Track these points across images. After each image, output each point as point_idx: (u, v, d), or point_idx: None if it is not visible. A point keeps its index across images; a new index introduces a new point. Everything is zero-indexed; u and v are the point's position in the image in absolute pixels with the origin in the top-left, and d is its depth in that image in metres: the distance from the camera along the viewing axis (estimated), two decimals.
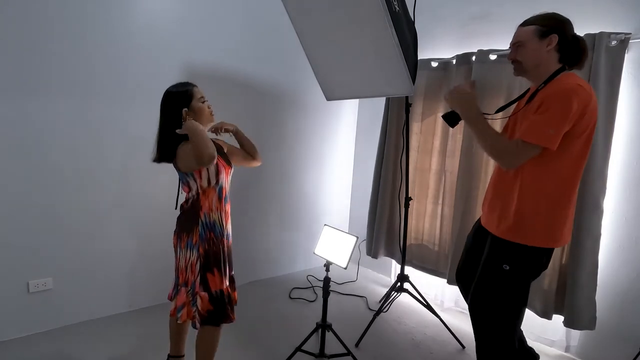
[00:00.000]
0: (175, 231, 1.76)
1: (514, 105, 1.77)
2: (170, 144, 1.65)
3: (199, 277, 1.67)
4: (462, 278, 1.92)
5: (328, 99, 2.34)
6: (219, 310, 1.70)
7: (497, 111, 1.79)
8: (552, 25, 1.48)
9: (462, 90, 1.61)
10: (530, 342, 2.51)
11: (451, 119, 1.85)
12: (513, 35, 1.60)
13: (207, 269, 1.67)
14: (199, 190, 1.67)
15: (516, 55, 1.56)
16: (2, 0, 2.01)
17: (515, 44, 1.56)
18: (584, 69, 1.86)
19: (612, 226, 2.19)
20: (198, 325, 1.69)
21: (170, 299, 1.81)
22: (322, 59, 2.13)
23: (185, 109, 1.65)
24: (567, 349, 2.37)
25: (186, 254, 1.69)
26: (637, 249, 2.13)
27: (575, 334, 2.33)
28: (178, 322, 1.74)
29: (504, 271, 1.56)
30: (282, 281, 3.32)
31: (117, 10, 2.33)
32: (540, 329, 2.47)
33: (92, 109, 2.33)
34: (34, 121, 2.17)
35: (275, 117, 3.21)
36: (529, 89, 1.70)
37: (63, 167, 2.28)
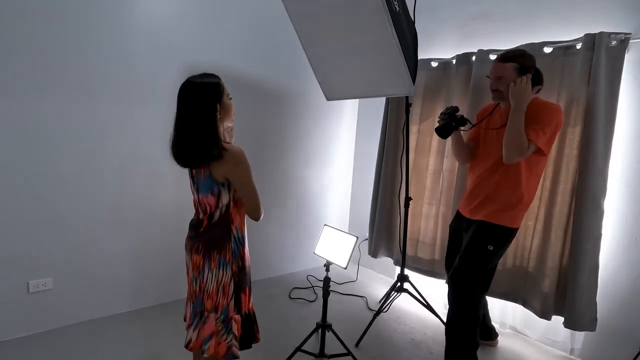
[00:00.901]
0: (197, 250, 1.51)
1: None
2: (203, 144, 1.39)
3: (232, 300, 1.51)
4: (449, 265, 2.26)
5: (328, 99, 2.34)
6: (248, 333, 1.58)
7: (472, 127, 2.15)
8: (528, 65, 1.86)
9: (525, 87, 1.82)
10: (532, 343, 2.52)
11: (444, 131, 2.09)
12: (493, 67, 1.94)
13: (241, 288, 1.53)
14: (230, 202, 1.47)
15: (498, 86, 1.91)
16: (3, 1, 2.01)
17: (498, 77, 1.91)
18: (584, 69, 2.13)
19: (612, 226, 2.19)
20: (239, 353, 1.52)
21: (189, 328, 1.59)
22: (322, 59, 2.13)
23: (217, 103, 1.43)
24: (571, 352, 2.36)
25: (218, 274, 1.49)
26: (637, 249, 2.13)
27: (578, 334, 2.32)
28: (204, 355, 1.50)
29: (488, 251, 1.94)
30: (282, 281, 3.32)
31: (118, 11, 2.33)
32: (543, 330, 2.47)
33: (92, 110, 2.33)
34: (35, 121, 2.17)
35: (275, 117, 3.21)
36: (495, 107, 2.04)
37: (64, 167, 2.28)
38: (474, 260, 1.97)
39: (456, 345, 2.01)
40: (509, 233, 1.96)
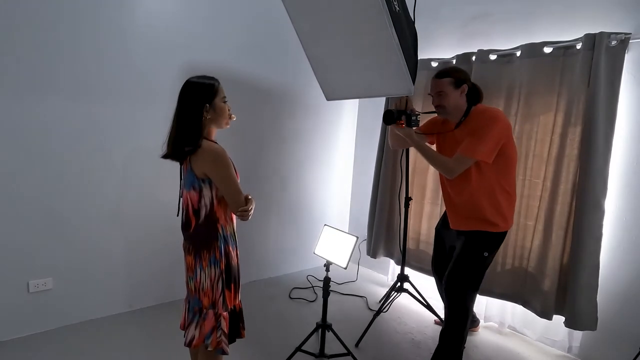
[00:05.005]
0: (189, 251, 1.58)
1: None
2: (184, 139, 1.47)
3: (221, 297, 1.55)
4: (438, 269, 2.38)
5: (328, 99, 2.34)
6: (234, 329, 1.62)
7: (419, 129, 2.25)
8: (462, 78, 1.97)
9: (401, 133, 2.04)
10: (532, 343, 2.52)
11: (391, 119, 2.06)
12: (431, 85, 2.04)
13: (227, 285, 1.56)
14: (214, 200, 1.52)
15: (441, 102, 2.00)
16: (4, 2, 2.01)
17: (438, 93, 2.00)
18: (584, 69, 2.12)
19: (612, 226, 2.19)
20: (228, 350, 1.56)
21: (185, 327, 1.63)
22: (322, 59, 2.13)
23: (207, 104, 1.49)
24: (569, 350, 2.37)
25: (210, 272, 1.54)
26: (637, 249, 2.13)
27: (577, 334, 2.32)
28: (209, 349, 1.54)
29: (484, 257, 2.00)
30: (282, 281, 3.33)
31: (119, 11, 2.33)
32: (542, 330, 2.47)
33: (92, 110, 2.33)
34: (35, 121, 2.17)
35: (276, 117, 3.21)
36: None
37: (64, 167, 2.28)
38: (470, 269, 2.00)
39: (447, 344, 2.07)
40: (503, 236, 2.02)
